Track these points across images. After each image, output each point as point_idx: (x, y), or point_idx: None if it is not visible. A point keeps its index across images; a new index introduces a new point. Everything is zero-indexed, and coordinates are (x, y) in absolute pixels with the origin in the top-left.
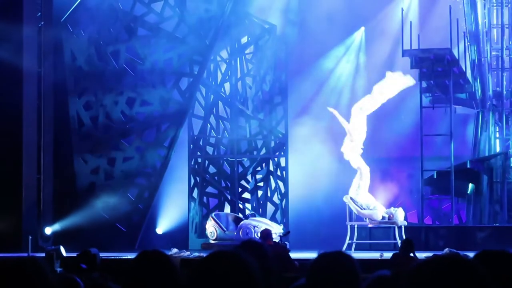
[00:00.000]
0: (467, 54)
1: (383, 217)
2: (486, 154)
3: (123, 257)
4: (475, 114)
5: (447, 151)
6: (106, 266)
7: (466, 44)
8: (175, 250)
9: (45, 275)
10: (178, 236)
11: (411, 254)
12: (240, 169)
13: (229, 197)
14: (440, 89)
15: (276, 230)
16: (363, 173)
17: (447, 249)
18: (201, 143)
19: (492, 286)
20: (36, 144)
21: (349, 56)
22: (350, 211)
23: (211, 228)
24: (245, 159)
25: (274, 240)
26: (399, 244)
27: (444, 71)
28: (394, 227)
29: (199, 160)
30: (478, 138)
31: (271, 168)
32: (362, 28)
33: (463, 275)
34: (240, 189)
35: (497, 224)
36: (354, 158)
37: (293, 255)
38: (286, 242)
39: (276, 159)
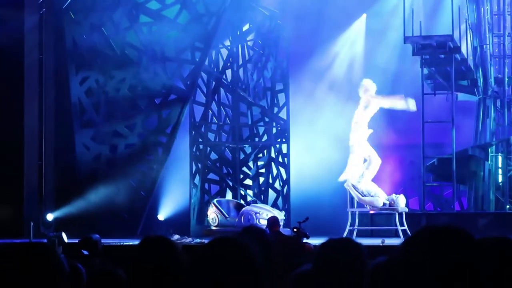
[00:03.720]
0: (468, 41)
1: (384, 204)
2: (488, 141)
3: (124, 243)
4: (477, 101)
5: (448, 138)
6: (107, 252)
7: (468, 31)
8: (176, 237)
9: (57, 261)
10: (180, 222)
11: None
12: (242, 156)
13: (230, 183)
14: (442, 76)
15: (278, 217)
16: (373, 164)
17: None
18: (202, 129)
19: (487, 257)
20: (37, 131)
21: (351, 42)
22: (351, 198)
23: (212, 214)
24: (247, 145)
25: (296, 226)
26: (400, 231)
27: (446, 58)
28: (395, 214)
29: (201, 146)
30: (479, 125)
31: (273, 154)
32: (364, 15)
33: (461, 244)
34: (241, 176)
35: (499, 211)
36: (365, 148)
37: None
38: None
39: (277, 145)
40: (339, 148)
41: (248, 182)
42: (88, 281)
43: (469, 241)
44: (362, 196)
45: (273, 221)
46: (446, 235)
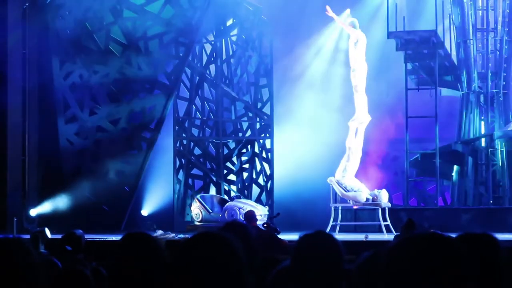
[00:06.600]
0: (452, 36)
1: (367, 199)
2: (471, 136)
3: (108, 239)
4: (460, 96)
5: (432, 133)
6: (91, 248)
7: (451, 26)
8: (160, 232)
9: (30, 256)
10: (163, 217)
11: None
12: (226, 151)
13: (214, 179)
14: (425, 71)
15: (261, 212)
16: (354, 156)
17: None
18: (186, 124)
19: (469, 262)
20: (21, 126)
21: (334, 37)
22: (334, 193)
23: (196, 209)
24: (231, 141)
25: (266, 222)
26: (383, 226)
27: (429, 53)
28: (378, 209)
29: (184, 142)
30: (463, 120)
31: (257, 150)
32: (348, 10)
33: (442, 251)
34: (225, 171)
35: (482, 206)
36: (352, 138)
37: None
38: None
39: (261, 141)
40: (323, 142)
41: (232, 177)
42: (59, 277)
43: (452, 248)
44: (346, 191)
45: (250, 215)
46: (430, 241)
